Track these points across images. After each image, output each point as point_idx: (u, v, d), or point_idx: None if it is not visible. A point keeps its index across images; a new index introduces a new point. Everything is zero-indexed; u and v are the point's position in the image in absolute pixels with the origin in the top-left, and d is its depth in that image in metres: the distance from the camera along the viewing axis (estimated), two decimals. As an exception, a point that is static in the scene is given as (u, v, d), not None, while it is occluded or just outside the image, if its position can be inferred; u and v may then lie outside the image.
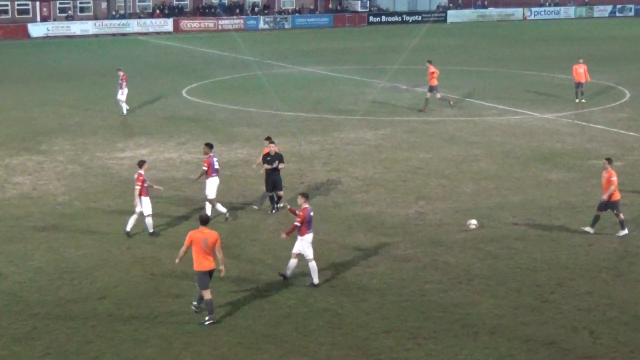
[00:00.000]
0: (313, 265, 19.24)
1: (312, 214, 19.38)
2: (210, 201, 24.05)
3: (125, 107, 40.45)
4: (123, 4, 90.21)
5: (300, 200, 19.49)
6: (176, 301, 18.49)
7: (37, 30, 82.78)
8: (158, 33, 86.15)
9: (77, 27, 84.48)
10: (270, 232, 23.21)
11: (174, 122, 39.11)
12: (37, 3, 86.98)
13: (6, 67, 60.54)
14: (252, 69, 56.69)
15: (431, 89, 40.70)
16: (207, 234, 17.55)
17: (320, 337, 16.80)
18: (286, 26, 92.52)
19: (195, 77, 53.71)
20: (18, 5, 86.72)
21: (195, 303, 17.82)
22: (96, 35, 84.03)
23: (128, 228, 22.64)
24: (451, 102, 41.33)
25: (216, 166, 24.07)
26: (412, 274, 20.08)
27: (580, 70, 42.75)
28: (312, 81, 52.46)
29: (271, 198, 24.77)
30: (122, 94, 40.15)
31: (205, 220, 17.91)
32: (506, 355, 16.06)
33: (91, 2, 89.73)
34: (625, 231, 22.73)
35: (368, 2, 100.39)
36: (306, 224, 19.15)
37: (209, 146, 24.18)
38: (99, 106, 43.32)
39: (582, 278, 19.84)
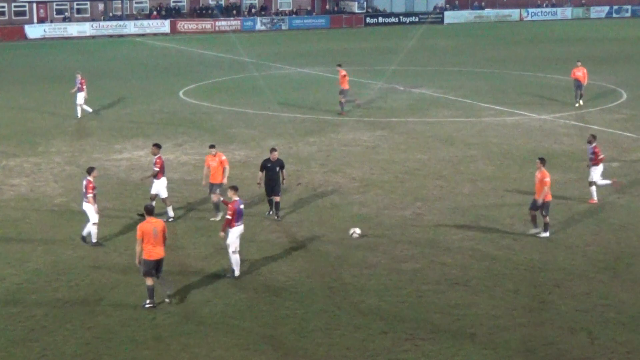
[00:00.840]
0: (236, 257, 19.80)
1: (242, 207, 19.94)
2: (165, 200, 24.40)
3: (79, 111, 40.03)
4: (120, 6, 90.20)
5: (230, 193, 20.14)
6: (173, 302, 18.48)
7: (34, 31, 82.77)
8: (155, 34, 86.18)
9: (74, 29, 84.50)
10: (268, 233, 23.23)
11: (171, 123, 39.11)
12: (34, 4, 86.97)
13: (3, 68, 60.51)
14: (249, 71, 56.71)
15: (342, 91, 40.55)
16: (155, 223, 18.34)
17: (318, 338, 16.80)
18: (283, 27, 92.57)
19: (192, 79, 53.71)
20: (15, 6, 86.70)
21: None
22: (93, 37, 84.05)
23: (94, 239, 22.20)
24: (343, 113, 40.52)
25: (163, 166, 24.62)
26: (410, 275, 20.09)
27: (579, 74, 42.73)
28: (309, 82, 52.49)
29: (269, 202, 24.69)
30: (81, 98, 39.81)
31: (150, 211, 18.66)
32: (504, 357, 16.06)
33: (88, 3, 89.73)
34: (547, 234, 22.66)
35: (365, 3, 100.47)
36: (235, 217, 19.64)
37: (158, 147, 24.65)
38: (95, 108, 43.27)
39: (579, 279, 19.86)
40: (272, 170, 24.36)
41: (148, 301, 18.27)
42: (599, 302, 18.45)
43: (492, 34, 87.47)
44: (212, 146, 25.01)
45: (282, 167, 24.54)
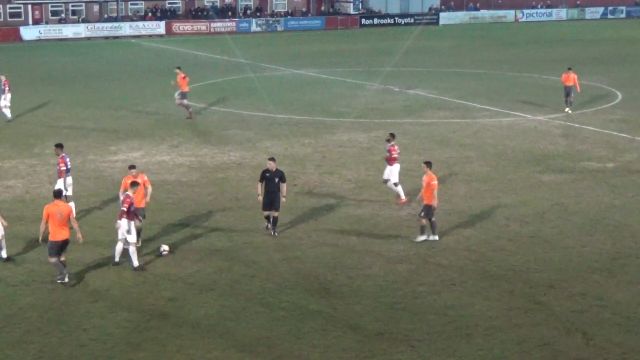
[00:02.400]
0: (119, 246, 20.79)
1: (122, 198, 20.81)
2: (68, 198, 24.05)
3: (9, 113, 39.74)
4: (115, 7, 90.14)
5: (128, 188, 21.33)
6: (169, 304, 18.48)
7: (29, 33, 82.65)
8: (150, 36, 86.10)
9: (69, 30, 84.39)
10: (263, 234, 23.22)
11: (166, 124, 39.08)
12: (30, 6, 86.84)
13: (-2, 70, 60.41)
14: (244, 72, 56.69)
15: (183, 94, 40.37)
16: (61, 206, 19.43)
17: (314, 339, 16.80)
18: (278, 29, 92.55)
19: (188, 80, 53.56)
20: (10, 8, 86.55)
21: (66, 280, 19.38)
22: (88, 38, 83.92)
23: (4, 255, 21.55)
24: (191, 116, 40.26)
25: (69, 165, 24.57)
26: (405, 276, 20.10)
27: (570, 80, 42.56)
28: (304, 83, 52.49)
29: (267, 218, 23.38)
30: (5, 99, 39.53)
31: (58, 194, 19.84)
32: (499, 357, 16.08)
33: (83, 5, 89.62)
34: (424, 237, 22.48)
35: (360, 4, 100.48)
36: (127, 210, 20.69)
37: (60, 147, 24.74)
38: (91, 109, 43.27)
39: (575, 279, 19.88)
40: (271, 181, 22.95)
41: (59, 276, 19.33)
42: (594, 303, 18.48)
43: (487, 35, 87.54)
44: (132, 167, 22.66)
45: (282, 179, 22.97)
